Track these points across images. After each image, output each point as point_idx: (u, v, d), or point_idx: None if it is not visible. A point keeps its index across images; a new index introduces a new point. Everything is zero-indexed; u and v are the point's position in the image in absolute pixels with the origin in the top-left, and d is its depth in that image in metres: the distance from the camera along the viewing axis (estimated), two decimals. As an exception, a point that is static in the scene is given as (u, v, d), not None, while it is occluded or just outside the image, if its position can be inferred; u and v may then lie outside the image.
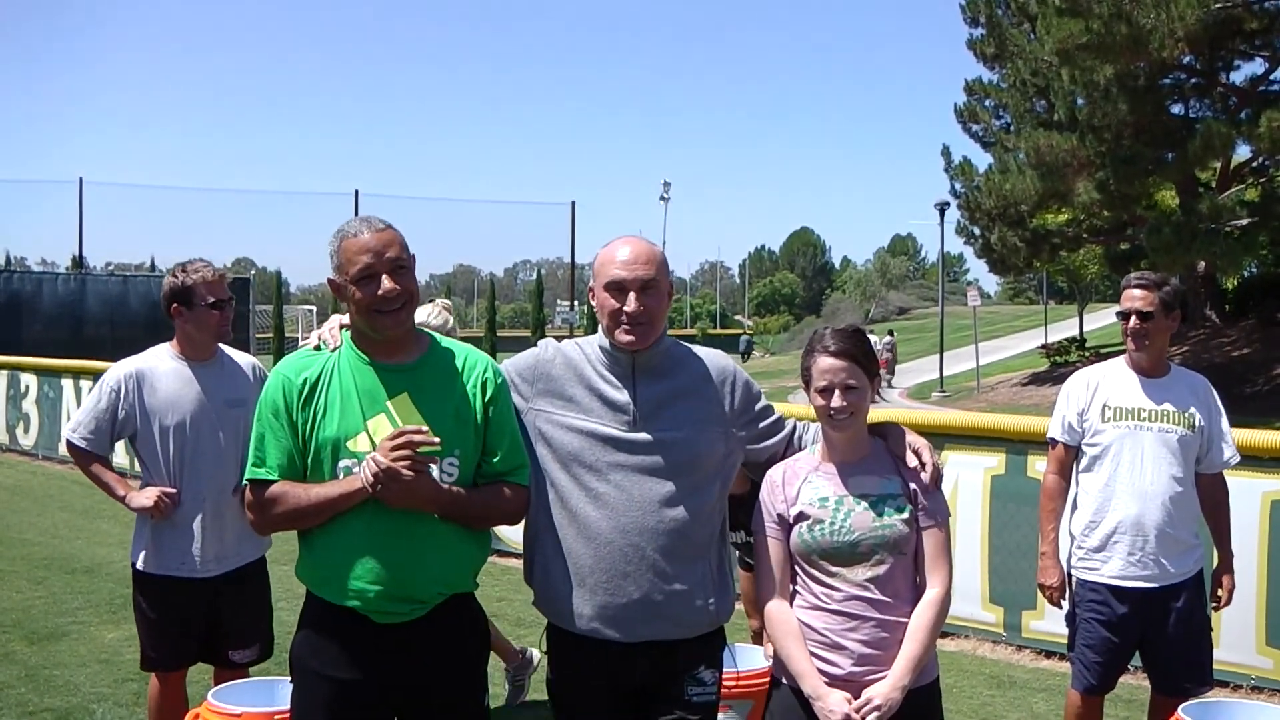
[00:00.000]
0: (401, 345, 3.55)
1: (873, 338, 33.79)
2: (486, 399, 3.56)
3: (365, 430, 3.45)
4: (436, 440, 3.38)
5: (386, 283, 3.42)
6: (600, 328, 3.72)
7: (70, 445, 5.29)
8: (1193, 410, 5.14)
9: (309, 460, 3.50)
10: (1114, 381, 5.25)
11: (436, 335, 3.67)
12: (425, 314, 5.60)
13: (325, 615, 3.51)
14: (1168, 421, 5.11)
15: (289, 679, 3.69)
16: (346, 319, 3.66)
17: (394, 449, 3.30)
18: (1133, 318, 5.17)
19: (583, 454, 3.59)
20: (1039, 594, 5.53)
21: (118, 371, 5.22)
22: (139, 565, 5.22)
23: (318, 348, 3.62)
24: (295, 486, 3.47)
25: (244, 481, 3.59)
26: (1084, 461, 5.29)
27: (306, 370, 3.54)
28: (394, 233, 3.49)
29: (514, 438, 3.61)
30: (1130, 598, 5.12)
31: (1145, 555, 5.08)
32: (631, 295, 3.57)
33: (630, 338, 3.59)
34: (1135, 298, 5.18)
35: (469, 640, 3.64)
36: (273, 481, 3.50)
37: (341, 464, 3.45)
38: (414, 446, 3.32)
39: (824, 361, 3.61)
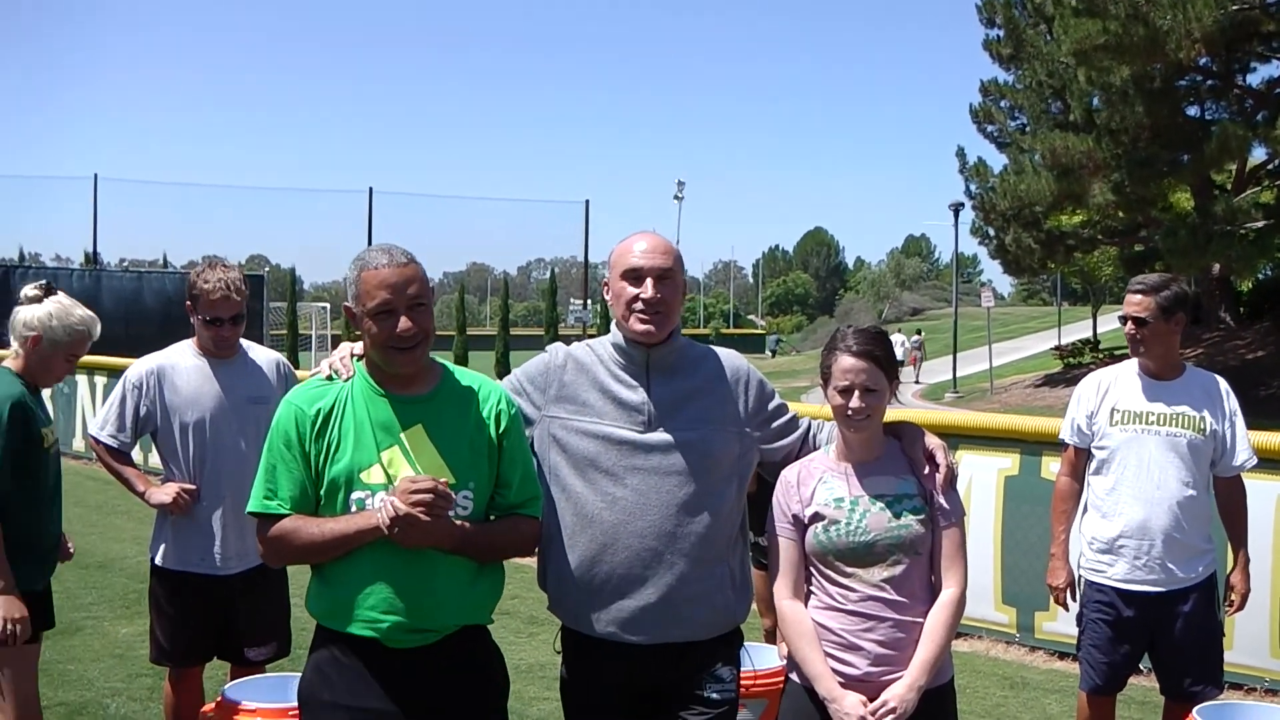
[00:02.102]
0: (416, 376, 3.50)
1: (899, 336, 33.97)
2: (500, 430, 3.52)
3: (379, 462, 3.40)
4: (453, 496, 3.34)
5: (404, 321, 3.36)
6: (614, 322, 3.72)
7: (96, 442, 5.32)
8: (1204, 414, 5.11)
9: (322, 492, 3.44)
10: (1123, 385, 5.24)
11: (450, 365, 3.61)
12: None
13: (336, 646, 3.45)
14: (1176, 425, 5.09)
15: (295, 675, 3.66)
16: (358, 347, 3.61)
17: (413, 495, 3.25)
18: (1129, 323, 5.17)
19: (599, 458, 3.58)
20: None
21: (139, 368, 5.24)
22: (158, 561, 5.24)
23: (330, 377, 3.55)
24: (308, 521, 3.41)
25: (249, 512, 3.52)
26: (1093, 464, 5.29)
27: (319, 401, 3.47)
28: (416, 268, 3.42)
29: (527, 469, 3.58)
30: (1137, 601, 5.11)
31: (1151, 560, 5.06)
32: (649, 282, 3.58)
33: (646, 327, 3.59)
34: (1132, 303, 5.16)
35: (485, 671, 3.58)
36: (284, 515, 3.44)
37: (355, 496, 3.40)
38: (433, 494, 3.27)
39: (846, 361, 3.60)
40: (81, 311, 4.83)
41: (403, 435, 3.43)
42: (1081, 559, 5.29)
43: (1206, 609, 5.14)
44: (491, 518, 3.53)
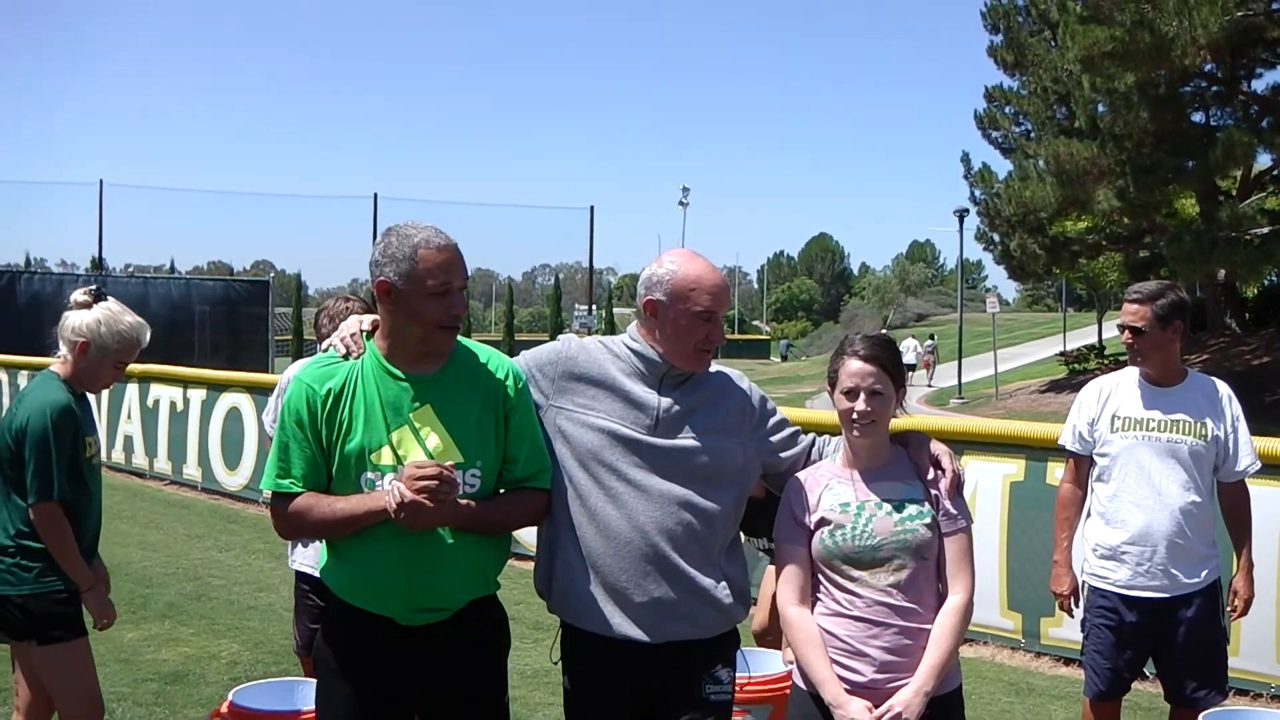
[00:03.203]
0: (428, 356, 3.53)
1: (912, 341, 34.55)
2: (509, 407, 3.55)
3: (389, 443, 3.44)
4: (458, 480, 3.37)
5: (459, 303, 3.44)
6: (633, 329, 3.77)
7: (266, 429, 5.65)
8: (1205, 419, 5.11)
9: (334, 471, 3.48)
10: (1124, 391, 5.25)
11: (460, 338, 3.64)
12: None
13: (349, 617, 3.52)
14: (1177, 432, 5.09)
15: (310, 679, 3.70)
16: (367, 322, 3.63)
17: (418, 481, 3.29)
18: (1126, 332, 5.19)
19: (602, 453, 3.60)
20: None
21: (288, 373, 5.35)
22: (296, 565, 5.52)
23: (346, 356, 3.56)
24: (321, 500, 3.45)
25: (262, 489, 3.56)
26: (1096, 471, 5.29)
27: (330, 380, 3.50)
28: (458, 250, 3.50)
29: (535, 442, 3.60)
30: (1140, 607, 5.11)
31: (1154, 566, 5.06)
32: (715, 324, 3.67)
33: (705, 365, 3.72)
34: (1129, 313, 5.18)
35: (491, 639, 3.65)
36: (298, 493, 3.48)
37: (365, 476, 3.44)
38: (438, 480, 3.30)
39: (852, 364, 3.62)
40: (131, 318, 4.81)
41: (411, 416, 3.46)
42: (1085, 565, 5.30)
43: (1210, 614, 5.14)
44: (500, 491, 3.57)
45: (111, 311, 4.77)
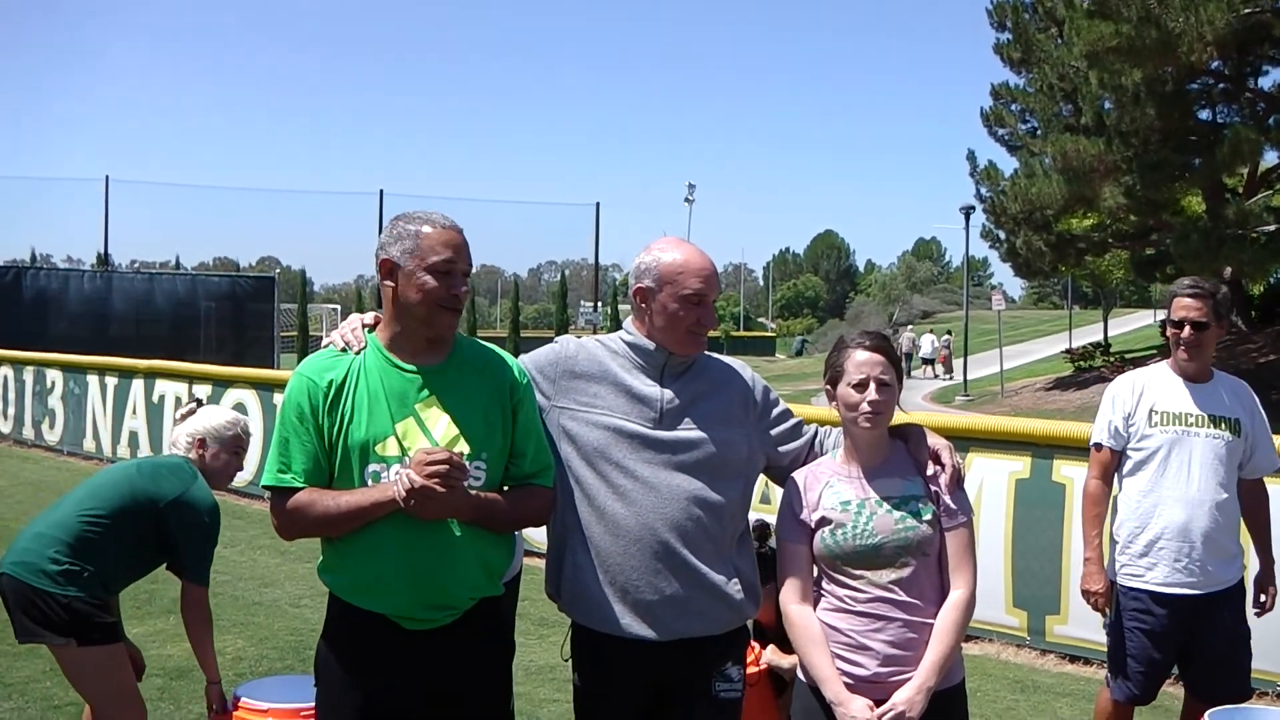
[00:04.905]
0: (432, 345, 3.50)
1: (930, 336, 34.87)
2: (514, 400, 3.53)
3: (394, 434, 3.40)
4: (468, 467, 3.35)
5: (462, 284, 3.43)
6: (630, 322, 3.76)
7: None
8: (1239, 416, 5.12)
9: (335, 464, 3.43)
10: (1160, 386, 5.20)
11: (460, 334, 3.62)
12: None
13: (353, 622, 3.46)
14: (1215, 427, 5.08)
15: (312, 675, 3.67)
16: (369, 318, 3.62)
17: (428, 466, 3.26)
18: (1187, 328, 5.09)
19: (608, 450, 3.59)
20: (1062, 598, 5.49)
21: None
22: None
23: (344, 349, 3.53)
24: (324, 494, 3.40)
25: (261, 484, 3.52)
26: (1128, 466, 5.23)
27: (331, 372, 3.46)
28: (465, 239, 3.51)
29: (540, 439, 3.58)
30: (1174, 605, 5.06)
31: (1191, 562, 5.02)
32: (707, 305, 3.66)
33: (699, 347, 3.71)
34: (1190, 307, 5.09)
35: (495, 644, 3.61)
36: (299, 488, 3.43)
37: (370, 468, 3.39)
38: (449, 465, 3.27)
39: (860, 355, 3.62)
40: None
41: (417, 406, 3.43)
42: (1115, 564, 5.24)
43: (1241, 611, 5.15)
44: (505, 488, 3.54)
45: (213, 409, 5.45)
